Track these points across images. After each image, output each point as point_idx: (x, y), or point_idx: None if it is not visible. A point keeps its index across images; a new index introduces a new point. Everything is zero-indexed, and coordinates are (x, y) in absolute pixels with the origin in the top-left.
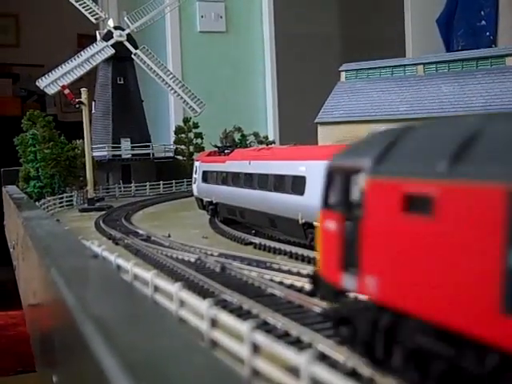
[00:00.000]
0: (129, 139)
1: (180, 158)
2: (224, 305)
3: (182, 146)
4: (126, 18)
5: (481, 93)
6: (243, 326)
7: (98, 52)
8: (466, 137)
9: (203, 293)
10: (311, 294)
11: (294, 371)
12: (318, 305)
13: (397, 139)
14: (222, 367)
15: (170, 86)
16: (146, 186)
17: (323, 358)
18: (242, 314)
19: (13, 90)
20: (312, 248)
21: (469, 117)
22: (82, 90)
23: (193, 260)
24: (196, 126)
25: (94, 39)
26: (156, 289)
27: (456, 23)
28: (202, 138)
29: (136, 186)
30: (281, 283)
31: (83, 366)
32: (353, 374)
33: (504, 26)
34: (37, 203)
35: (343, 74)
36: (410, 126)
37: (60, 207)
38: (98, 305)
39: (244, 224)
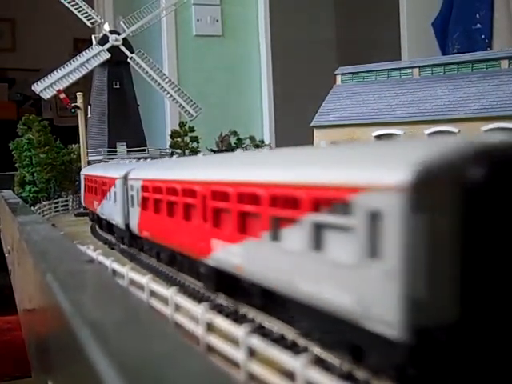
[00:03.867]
0: (125, 143)
1: None
2: (220, 309)
3: (178, 150)
4: (121, 22)
5: (476, 96)
6: (239, 330)
7: (94, 56)
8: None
9: (199, 297)
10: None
11: (289, 375)
12: None
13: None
14: (218, 371)
15: (165, 89)
16: None
17: (319, 361)
18: (237, 318)
19: (8, 94)
20: None
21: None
22: (77, 94)
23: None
24: (192, 129)
25: (89, 43)
26: (151, 293)
27: (451, 26)
28: (197, 142)
29: None
30: None
31: (79, 370)
32: (348, 377)
33: (499, 29)
34: (32, 208)
35: (339, 78)
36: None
37: (55, 212)
38: (94, 310)
39: None
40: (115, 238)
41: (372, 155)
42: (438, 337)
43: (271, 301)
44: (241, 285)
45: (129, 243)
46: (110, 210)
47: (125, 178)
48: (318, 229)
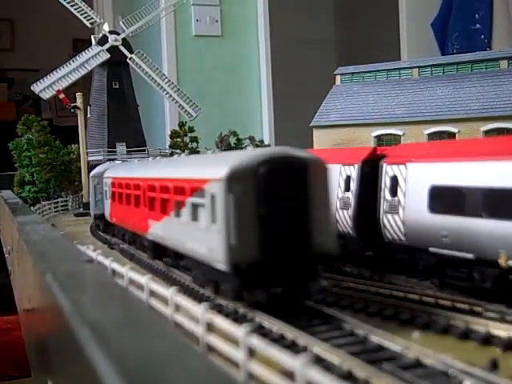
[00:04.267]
0: (124, 143)
1: None
2: (219, 309)
3: (178, 150)
4: (121, 23)
5: (476, 96)
6: (239, 330)
7: (93, 56)
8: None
9: (199, 297)
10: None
11: (289, 375)
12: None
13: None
14: (217, 371)
15: (165, 90)
16: None
17: (318, 361)
18: (237, 318)
19: (8, 94)
20: None
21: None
22: (77, 94)
23: None
24: (191, 130)
25: (89, 44)
26: (151, 293)
27: (451, 26)
28: (197, 142)
29: None
30: None
31: (78, 371)
32: (348, 376)
33: (498, 29)
34: (32, 208)
35: (338, 78)
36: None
37: (55, 212)
38: (93, 310)
39: None
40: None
41: (216, 161)
42: (246, 268)
43: (179, 259)
44: (165, 251)
45: (103, 229)
46: (91, 202)
47: (94, 177)
48: (194, 207)
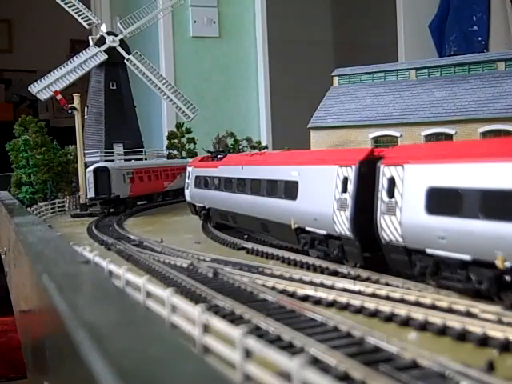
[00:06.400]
0: (121, 144)
1: None
2: (216, 310)
3: (175, 151)
4: (118, 24)
5: (473, 97)
6: (235, 332)
7: (91, 57)
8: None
9: (195, 298)
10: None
11: (285, 376)
12: (310, 310)
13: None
14: (214, 373)
15: (162, 91)
16: None
17: (315, 362)
18: (234, 319)
19: (5, 95)
20: (305, 253)
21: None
22: (74, 95)
23: (185, 265)
24: (189, 131)
25: (86, 44)
26: (148, 294)
27: (448, 28)
28: (194, 143)
29: None
30: (273, 288)
31: (74, 372)
32: (344, 378)
33: (495, 31)
34: (29, 209)
35: (336, 79)
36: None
37: (52, 213)
38: (90, 311)
39: (236, 229)
40: None
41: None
42: (92, 200)
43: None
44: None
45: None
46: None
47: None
48: None
